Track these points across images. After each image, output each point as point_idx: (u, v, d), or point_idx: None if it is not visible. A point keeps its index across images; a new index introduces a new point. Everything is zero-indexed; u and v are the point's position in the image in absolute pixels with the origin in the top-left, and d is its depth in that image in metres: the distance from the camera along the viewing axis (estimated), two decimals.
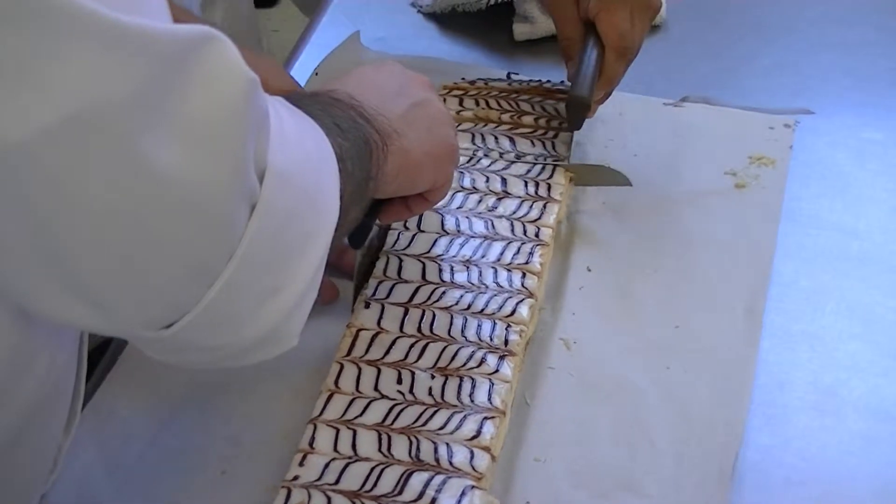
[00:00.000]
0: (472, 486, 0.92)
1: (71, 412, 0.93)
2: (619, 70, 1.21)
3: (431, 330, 1.04)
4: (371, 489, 0.92)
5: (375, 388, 1.00)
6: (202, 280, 0.69)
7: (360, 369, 1.01)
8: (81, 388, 0.94)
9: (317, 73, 1.38)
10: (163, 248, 0.66)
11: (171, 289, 0.69)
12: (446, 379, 1.00)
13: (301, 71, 1.40)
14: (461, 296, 1.07)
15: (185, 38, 0.63)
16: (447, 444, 0.95)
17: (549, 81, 1.32)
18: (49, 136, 0.59)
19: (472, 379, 1.00)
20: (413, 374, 1.00)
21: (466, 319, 1.05)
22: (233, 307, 0.72)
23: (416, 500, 0.91)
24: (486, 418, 0.97)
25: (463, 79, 1.33)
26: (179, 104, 0.63)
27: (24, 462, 0.87)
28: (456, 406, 0.98)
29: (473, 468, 0.93)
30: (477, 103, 1.29)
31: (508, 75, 1.35)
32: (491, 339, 1.03)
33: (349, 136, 0.87)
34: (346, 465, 0.94)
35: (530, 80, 1.33)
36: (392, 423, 0.97)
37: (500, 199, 1.17)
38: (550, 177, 1.20)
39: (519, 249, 1.11)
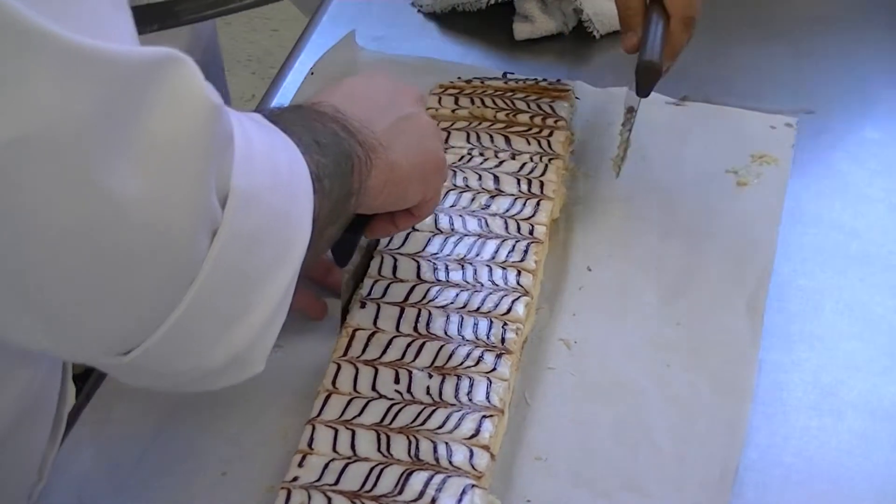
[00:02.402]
0: (473, 486, 0.92)
1: (56, 422, 0.92)
2: (684, 40, 1.20)
3: (428, 329, 1.04)
4: (371, 489, 0.92)
5: (373, 388, 1.00)
6: (161, 306, 0.68)
7: (357, 369, 1.01)
8: (67, 396, 0.93)
9: (312, 73, 1.39)
10: (119, 275, 0.65)
11: (129, 315, 0.67)
12: (444, 378, 1.00)
13: (301, 70, 1.40)
14: (457, 294, 1.07)
15: (145, 60, 0.62)
16: (446, 443, 0.95)
17: (544, 80, 1.32)
18: (2, 156, 0.57)
19: (470, 378, 1.00)
20: (410, 373, 1.01)
21: (462, 318, 1.05)
22: (194, 333, 0.70)
23: (416, 500, 0.91)
24: (484, 417, 0.97)
25: (459, 78, 1.33)
26: (137, 128, 0.62)
27: (5, 474, 0.87)
28: (454, 405, 0.98)
29: (473, 467, 0.93)
30: (472, 102, 1.28)
31: (504, 74, 1.35)
32: (487, 338, 1.03)
33: (329, 152, 0.85)
34: (346, 466, 0.94)
35: (526, 79, 1.33)
36: (391, 423, 0.97)
37: (493, 196, 1.17)
38: (543, 174, 1.20)
39: (513, 247, 1.11)
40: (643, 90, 1.20)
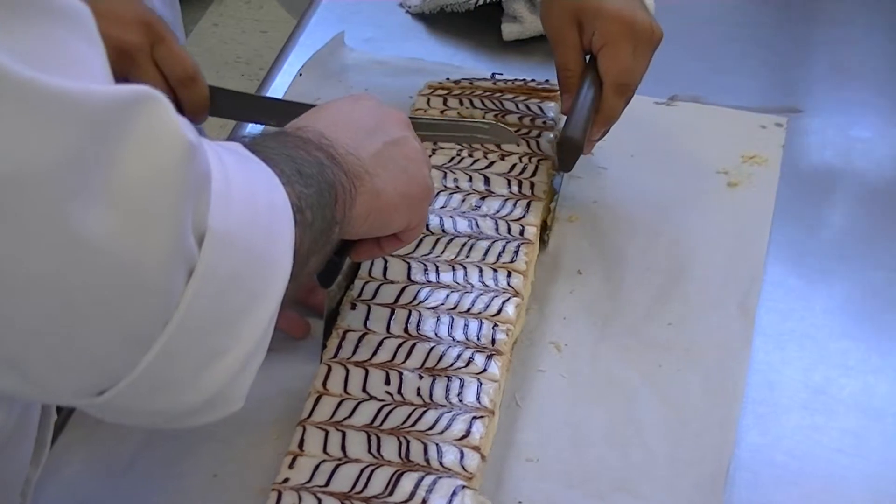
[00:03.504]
0: (463, 486, 0.92)
1: (38, 445, 0.91)
2: (618, 107, 1.18)
3: (418, 330, 1.04)
4: (361, 490, 0.92)
5: (364, 390, 0.99)
6: (135, 348, 0.66)
7: (347, 371, 1.01)
8: (50, 419, 0.92)
9: (301, 74, 1.39)
10: (92, 317, 0.63)
11: (102, 357, 0.66)
12: (434, 379, 1.00)
13: (290, 72, 1.40)
14: (447, 295, 1.07)
15: (117, 99, 0.61)
16: (437, 444, 0.95)
17: (533, 80, 1.32)
18: None
19: (461, 379, 1.00)
20: (401, 374, 1.00)
21: (453, 319, 1.05)
22: (170, 373, 0.69)
23: (406, 501, 0.91)
24: (475, 418, 0.97)
25: (447, 79, 1.33)
26: (110, 169, 0.60)
27: None
28: (445, 406, 0.98)
29: (463, 468, 0.93)
30: (461, 103, 1.29)
31: (493, 75, 1.35)
32: (478, 339, 1.03)
33: (312, 182, 0.83)
34: (336, 467, 0.94)
35: (514, 80, 1.33)
36: (381, 424, 0.97)
37: (483, 198, 1.17)
38: (533, 175, 1.20)
39: (504, 248, 1.11)
40: (564, 165, 1.19)
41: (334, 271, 1.00)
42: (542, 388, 1.05)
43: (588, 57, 1.19)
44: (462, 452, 0.94)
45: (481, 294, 1.07)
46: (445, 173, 1.20)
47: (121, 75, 1.01)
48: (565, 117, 1.18)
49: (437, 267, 1.10)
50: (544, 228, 1.18)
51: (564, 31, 1.18)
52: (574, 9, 1.17)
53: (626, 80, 1.16)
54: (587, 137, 1.17)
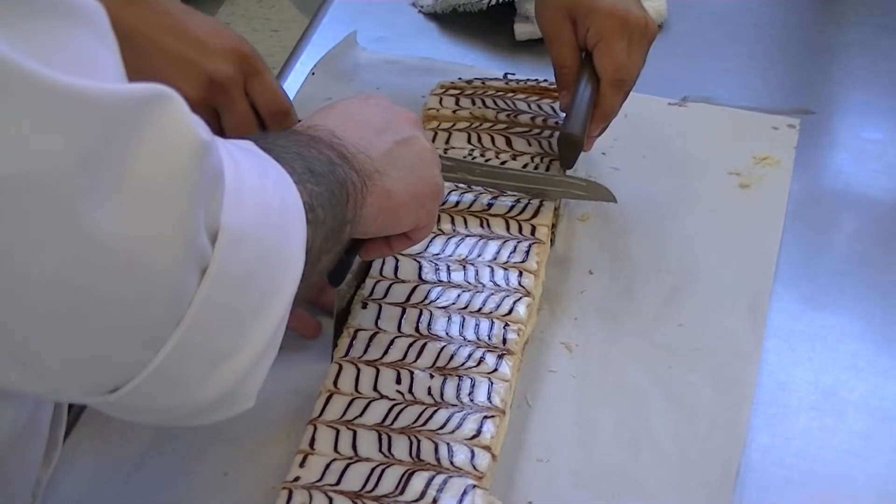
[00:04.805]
0: (474, 486, 0.92)
1: (50, 444, 0.91)
2: (616, 103, 1.18)
3: (429, 329, 1.04)
4: (372, 489, 0.92)
5: (374, 389, 1.00)
6: (147, 346, 0.66)
7: (358, 370, 1.01)
8: (62, 417, 0.92)
9: (314, 73, 1.39)
10: (103, 315, 0.63)
11: (114, 356, 0.66)
12: (445, 378, 1.00)
13: (301, 71, 1.40)
14: (458, 295, 1.07)
15: (130, 97, 0.61)
16: (447, 443, 0.95)
17: (545, 80, 1.32)
18: None
19: (471, 378, 1.00)
20: (412, 373, 1.00)
21: (464, 318, 1.05)
22: (182, 372, 0.69)
23: (417, 500, 0.91)
24: (485, 417, 0.97)
25: (460, 78, 1.33)
26: (122, 168, 0.60)
27: None
28: (455, 405, 0.98)
29: (474, 467, 0.93)
30: (473, 102, 1.28)
31: (505, 75, 1.35)
32: (489, 339, 1.03)
33: (323, 181, 0.83)
34: (347, 466, 0.94)
35: (527, 80, 1.33)
36: (392, 423, 0.97)
37: (495, 197, 1.17)
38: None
39: (515, 248, 1.11)
40: (565, 163, 1.19)
41: (344, 270, 1.00)
42: (553, 388, 1.05)
43: (584, 53, 1.19)
44: (473, 452, 0.94)
45: (492, 294, 1.07)
46: None
47: (210, 105, 1.03)
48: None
49: (448, 266, 1.10)
50: (552, 227, 1.18)
51: (559, 28, 1.19)
52: (568, 6, 1.17)
53: (623, 76, 1.17)
54: (586, 134, 1.17)
